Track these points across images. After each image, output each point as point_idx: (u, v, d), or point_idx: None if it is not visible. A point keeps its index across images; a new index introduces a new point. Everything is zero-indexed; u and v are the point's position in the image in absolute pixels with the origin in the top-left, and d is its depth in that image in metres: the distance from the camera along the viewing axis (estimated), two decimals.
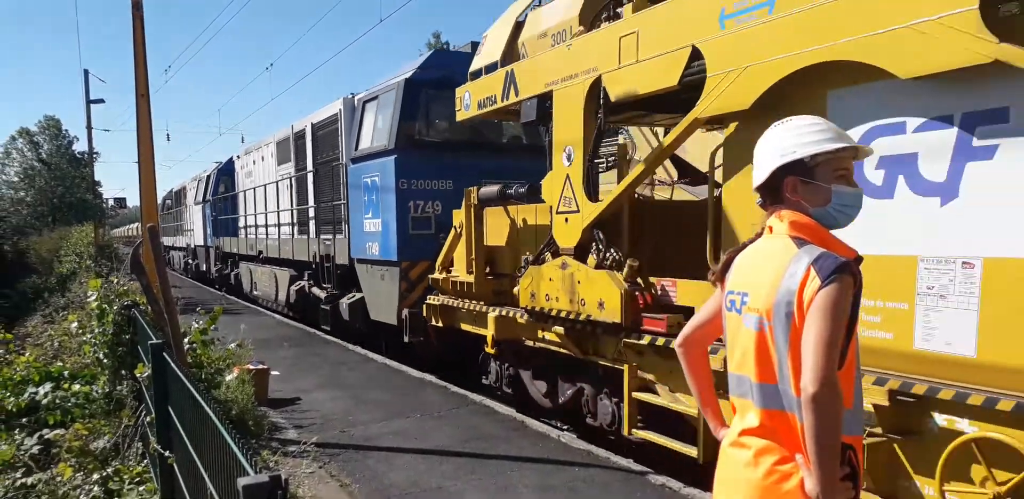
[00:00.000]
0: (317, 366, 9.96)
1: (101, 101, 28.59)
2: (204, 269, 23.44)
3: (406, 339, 9.35)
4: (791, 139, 2.12)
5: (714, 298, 2.38)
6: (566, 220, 5.76)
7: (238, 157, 19.14)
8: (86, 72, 27.98)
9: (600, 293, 5.29)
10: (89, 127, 28.68)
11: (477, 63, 7.13)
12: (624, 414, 5.47)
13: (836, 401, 1.87)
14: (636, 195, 5.99)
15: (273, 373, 8.30)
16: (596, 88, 5.34)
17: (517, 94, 6.31)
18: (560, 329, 5.89)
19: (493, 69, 6.74)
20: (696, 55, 4.39)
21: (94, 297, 6.26)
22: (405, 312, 9.33)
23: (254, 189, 16.86)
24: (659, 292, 5.09)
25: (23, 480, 5.00)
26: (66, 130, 53.48)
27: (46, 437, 5.54)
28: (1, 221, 35.95)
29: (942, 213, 3.27)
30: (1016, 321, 3.02)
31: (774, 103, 3.87)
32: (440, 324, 8.21)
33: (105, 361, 6.05)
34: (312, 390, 8.48)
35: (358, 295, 10.99)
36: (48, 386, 6.31)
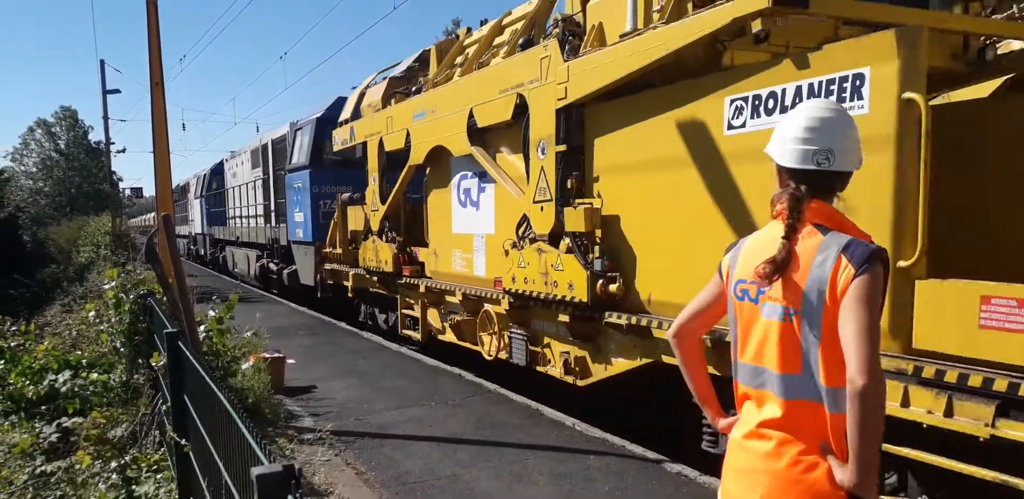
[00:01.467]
0: (332, 354, 10.00)
1: (117, 91, 28.73)
2: (201, 253, 28.15)
3: (319, 295, 13.49)
4: (859, 140, 2.12)
5: (712, 287, 2.30)
6: (403, 217, 10.28)
7: (226, 160, 22.93)
8: (102, 62, 28.10)
9: (384, 256, 9.85)
10: (105, 117, 28.85)
11: (342, 116, 11.61)
12: (399, 320, 10.19)
13: (883, 392, 1.84)
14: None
15: (289, 361, 8.34)
16: (379, 144, 9.96)
17: (353, 140, 10.97)
18: (375, 279, 10.64)
19: (346, 122, 11.28)
20: (409, 133, 9.07)
21: (111, 286, 6.30)
22: (318, 277, 13.27)
23: (236, 187, 20.87)
24: (412, 254, 9.68)
25: (42, 467, 5.05)
26: (82, 120, 53.81)
27: (65, 425, 5.59)
28: (20, 211, 36.28)
29: (478, 214, 7.88)
30: (493, 260, 7.46)
31: (433, 159, 8.70)
32: (331, 282, 12.60)
33: (122, 350, 6.10)
34: (328, 378, 8.52)
35: (293, 267, 15.22)
36: (67, 374, 6.36)
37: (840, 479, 1.90)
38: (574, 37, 6.17)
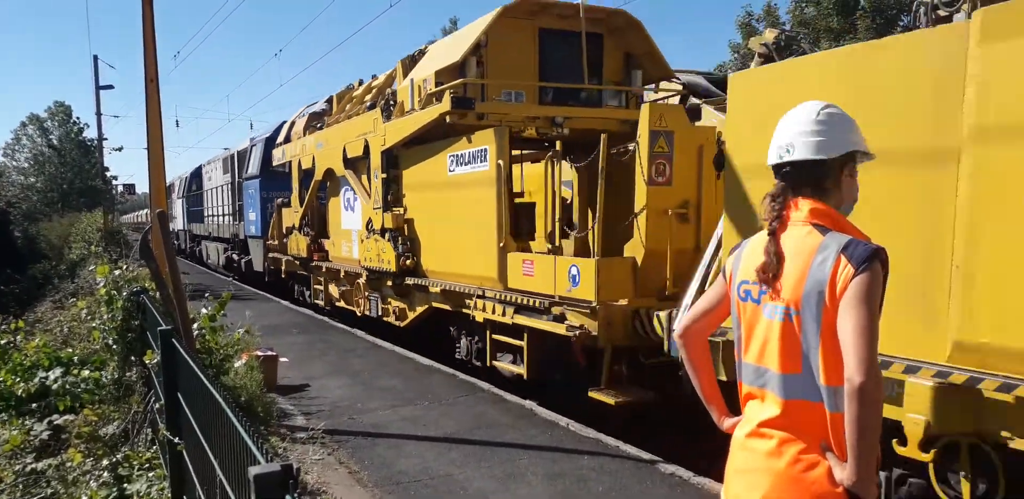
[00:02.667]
0: (325, 353, 9.97)
1: (110, 87, 28.65)
2: (183, 248, 31.56)
3: (266, 279, 16.89)
4: (856, 133, 2.09)
5: (717, 288, 2.32)
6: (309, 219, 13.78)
7: (204, 165, 26.30)
8: (95, 58, 27.99)
9: (301, 246, 13.30)
10: (98, 112, 28.76)
11: (278, 139, 15.31)
12: (312, 293, 13.98)
13: (881, 391, 1.85)
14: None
15: (282, 360, 8.31)
16: (298, 163, 13.49)
17: (284, 158, 14.67)
18: (298, 263, 14.13)
19: (280, 144, 15.02)
20: (314, 157, 12.61)
21: (103, 283, 6.25)
22: (265, 264, 16.34)
23: (211, 190, 24.23)
24: (321, 244, 12.83)
25: (33, 465, 5.01)
26: (77, 117, 53.47)
27: (56, 423, 5.54)
28: (12, 207, 36.06)
29: (353, 216, 11.30)
30: (359, 247, 10.93)
31: (329, 176, 12.20)
32: (273, 268, 15.78)
33: (114, 347, 6.05)
34: (321, 377, 8.49)
35: (249, 257, 18.74)
36: (58, 371, 6.31)
37: (839, 478, 1.91)
38: (392, 106, 9.64)
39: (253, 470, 1.53)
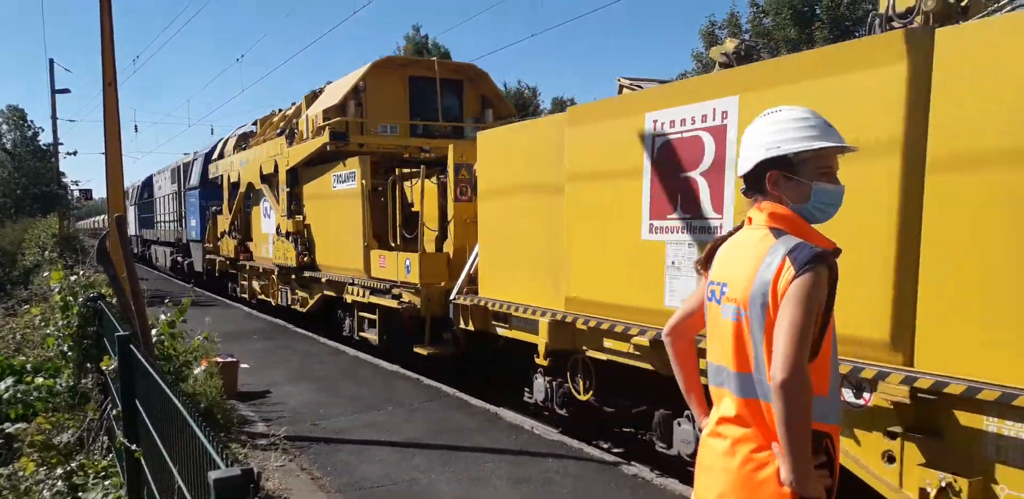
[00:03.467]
0: (287, 359, 9.86)
1: (67, 91, 27.92)
2: (135, 252, 32.70)
3: (204, 277, 18.87)
4: (777, 134, 2.09)
5: (699, 289, 2.37)
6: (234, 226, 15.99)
7: (155, 175, 28.66)
8: (51, 61, 27.34)
9: (230, 247, 15.58)
10: (54, 116, 28.02)
11: (214, 155, 17.42)
12: (239, 289, 16.26)
13: (804, 388, 1.87)
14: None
15: (243, 366, 8.20)
16: (227, 177, 15.89)
17: (217, 172, 16.71)
18: (228, 263, 16.27)
19: (215, 160, 17.10)
20: (240, 173, 15.09)
21: (58, 289, 6.12)
22: (204, 264, 18.23)
23: (160, 198, 26.22)
24: (247, 246, 15.16)
25: None
26: (31, 121, 52.17)
27: (7, 431, 5.40)
28: None
29: (269, 221, 13.54)
30: (273, 247, 13.21)
31: (251, 188, 14.63)
32: (210, 268, 17.56)
33: (69, 354, 5.92)
34: (282, 383, 8.40)
35: (191, 259, 20.70)
36: (10, 380, 6.15)
37: (782, 477, 1.94)
38: (295, 134, 12.08)
39: (213, 474, 1.51)
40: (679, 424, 5.37)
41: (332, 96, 10.91)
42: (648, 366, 5.34)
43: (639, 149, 5.32)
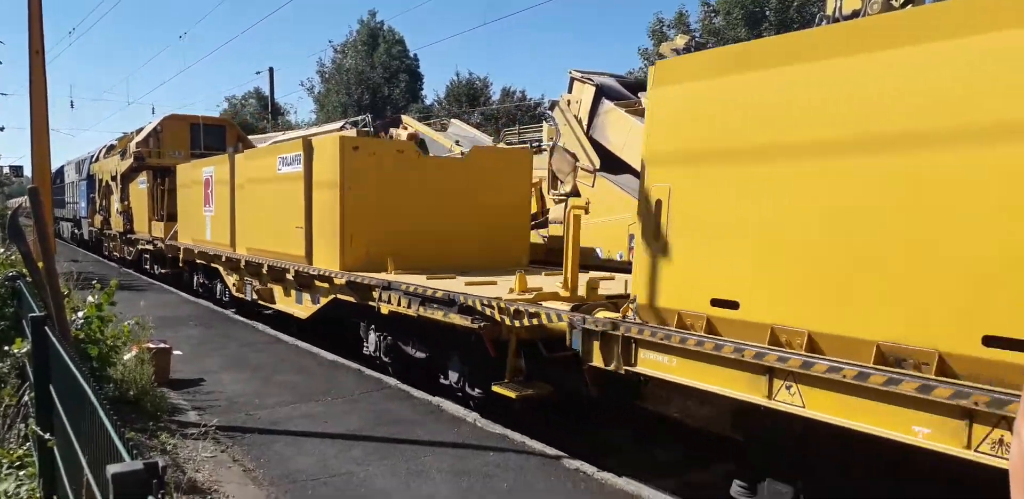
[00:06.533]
0: (223, 346, 9.54)
1: None
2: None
3: (89, 244, 26.63)
4: None
5: None
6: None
7: (65, 165, 33.33)
8: None
9: (96, 222, 24.29)
10: None
11: (96, 156, 24.98)
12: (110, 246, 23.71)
13: None
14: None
15: (176, 353, 7.88)
16: (100, 174, 23.98)
17: (97, 170, 24.98)
18: (97, 230, 24.83)
19: (95, 161, 24.92)
20: (104, 171, 23.42)
21: None
22: (91, 234, 25.58)
23: (68, 184, 31.54)
24: (107, 222, 22.57)
25: None
26: None
27: None
28: None
29: (116, 204, 20.95)
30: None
31: (109, 184, 22.64)
32: (90, 237, 25.81)
33: None
34: (217, 371, 8.10)
35: (82, 230, 27.33)
36: None
37: None
38: (126, 154, 19.34)
39: (112, 468, 1.34)
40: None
41: (142, 135, 18.86)
42: None
43: None
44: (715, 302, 4.25)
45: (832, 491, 3.99)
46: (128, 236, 19.65)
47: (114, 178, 20.35)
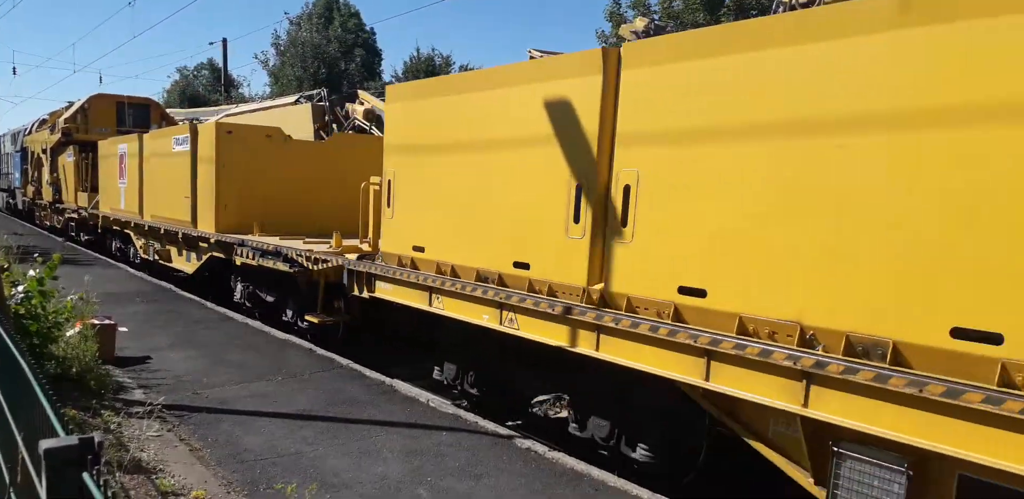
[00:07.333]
0: (171, 323, 9.34)
1: None
2: None
3: (23, 213, 27.94)
4: None
5: None
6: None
7: (3, 136, 33.46)
8: None
9: (29, 193, 25.47)
10: None
11: (30, 128, 25.66)
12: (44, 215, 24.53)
13: None
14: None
15: (121, 329, 7.68)
16: (31, 147, 25.28)
17: (30, 142, 26.13)
18: (29, 200, 26.34)
19: (30, 133, 25.41)
20: (36, 145, 24.37)
21: None
22: (25, 203, 26.72)
23: (4, 155, 31.87)
24: (39, 192, 23.92)
25: None
26: None
27: None
28: None
29: (47, 175, 21.68)
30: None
31: (40, 156, 24.61)
32: (23, 206, 27.62)
33: None
34: (164, 349, 7.94)
35: (16, 200, 29.00)
36: None
37: None
38: (55, 129, 20.67)
39: (45, 443, 1.27)
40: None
41: (70, 111, 20.15)
42: None
43: None
44: (415, 248, 6.50)
45: (478, 365, 6.42)
46: (57, 206, 20.88)
47: (44, 151, 21.49)
